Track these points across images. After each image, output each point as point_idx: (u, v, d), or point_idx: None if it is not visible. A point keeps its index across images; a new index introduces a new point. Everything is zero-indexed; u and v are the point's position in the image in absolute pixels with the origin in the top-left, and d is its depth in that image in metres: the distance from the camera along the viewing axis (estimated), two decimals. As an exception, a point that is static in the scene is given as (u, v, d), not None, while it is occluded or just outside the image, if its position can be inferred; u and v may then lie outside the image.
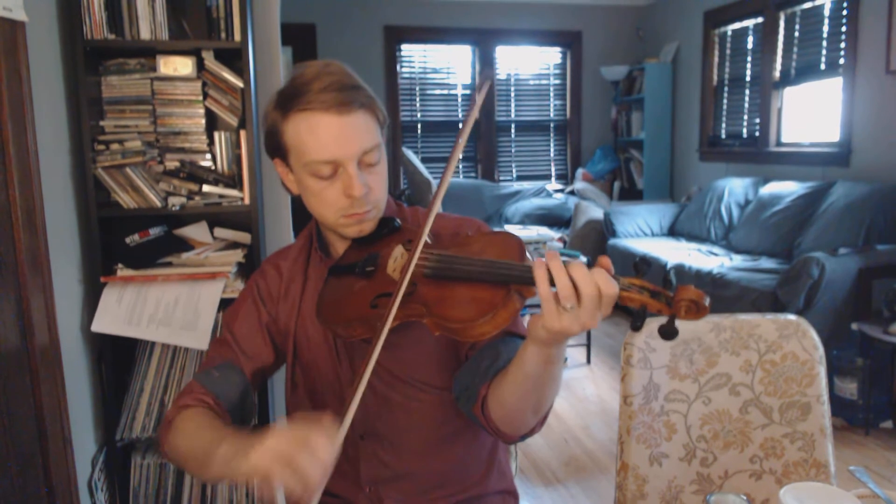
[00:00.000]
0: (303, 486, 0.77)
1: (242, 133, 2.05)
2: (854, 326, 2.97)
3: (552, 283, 0.78)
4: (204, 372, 1.12)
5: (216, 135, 2.08)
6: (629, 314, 0.79)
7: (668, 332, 0.77)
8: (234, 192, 2.05)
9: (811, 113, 4.46)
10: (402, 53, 6.10)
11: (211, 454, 0.91)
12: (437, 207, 0.96)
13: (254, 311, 1.17)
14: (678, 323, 0.78)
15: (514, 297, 0.85)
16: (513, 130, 6.47)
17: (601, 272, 0.77)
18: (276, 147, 1.07)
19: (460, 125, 0.98)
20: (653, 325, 1.23)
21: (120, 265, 1.93)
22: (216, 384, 1.09)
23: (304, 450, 0.77)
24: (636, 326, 0.80)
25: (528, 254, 0.90)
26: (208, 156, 2.07)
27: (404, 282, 0.90)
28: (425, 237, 0.93)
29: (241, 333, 1.16)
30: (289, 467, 0.77)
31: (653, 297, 0.78)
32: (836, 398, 2.94)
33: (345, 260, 1.10)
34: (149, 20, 1.93)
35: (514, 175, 6.51)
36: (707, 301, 0.76)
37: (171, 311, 1.92)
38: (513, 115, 6.46)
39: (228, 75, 2.03)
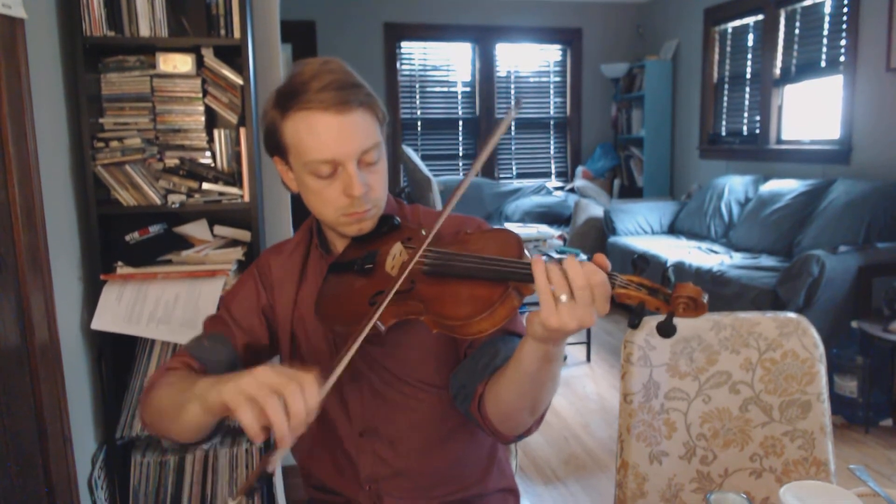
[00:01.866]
0: (287, 415, 0.75)
1: (242, 130, 2.05)
2: (854, 324, 2.97)
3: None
4: (194, 340, 1.12)
5: (216, 132, 2.08)
6: (629, 311, 0.79)
7: (666, 330, 0.77)
8: (233, 190, 2.05)
9: (811, 110, 4.45)
10: (402, 51, 6.09)
11: (188, 393, 0.89)
12: (449, 210, 0.95)
13: (254, 293, 1.17)
14: (676, 320, 0.77)
15: (513, 294, 0.85)
16: (513, 128, 6.46)
17: (594, 268, 0.77)
18: (276, 146, 1.07)
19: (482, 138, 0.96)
20: (652, 322, 1.23)
21: (120, 263, 1.93)
22: (204, 352, 1.09)
23: (293, 383, 0.77)
24: (634, 324, 0.79)
25: (526, 251, 0.90)
26: (208, 153, 2.07)
27: (400, 277, 0.90)
28: (430, 238, 0.92)
29: (238, 310, 1.16)
30: (275, 394, 0.76)
31: (650, 293, 0.78)
32: (836, 396, 2.94)
33: (344, 257, 1.10)
34: (148, 17, 1.93)
35: (514, 173, 6.50)
36: (705, 298, 0.75)
37: (171, 308, 1.92)
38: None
39: (228, 72, 2.03)
